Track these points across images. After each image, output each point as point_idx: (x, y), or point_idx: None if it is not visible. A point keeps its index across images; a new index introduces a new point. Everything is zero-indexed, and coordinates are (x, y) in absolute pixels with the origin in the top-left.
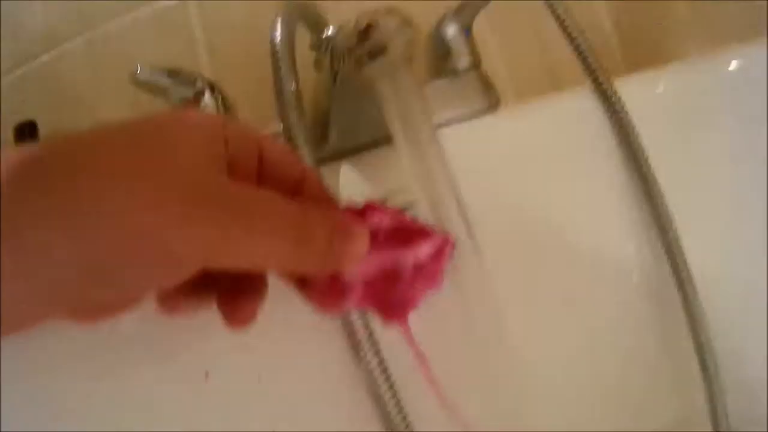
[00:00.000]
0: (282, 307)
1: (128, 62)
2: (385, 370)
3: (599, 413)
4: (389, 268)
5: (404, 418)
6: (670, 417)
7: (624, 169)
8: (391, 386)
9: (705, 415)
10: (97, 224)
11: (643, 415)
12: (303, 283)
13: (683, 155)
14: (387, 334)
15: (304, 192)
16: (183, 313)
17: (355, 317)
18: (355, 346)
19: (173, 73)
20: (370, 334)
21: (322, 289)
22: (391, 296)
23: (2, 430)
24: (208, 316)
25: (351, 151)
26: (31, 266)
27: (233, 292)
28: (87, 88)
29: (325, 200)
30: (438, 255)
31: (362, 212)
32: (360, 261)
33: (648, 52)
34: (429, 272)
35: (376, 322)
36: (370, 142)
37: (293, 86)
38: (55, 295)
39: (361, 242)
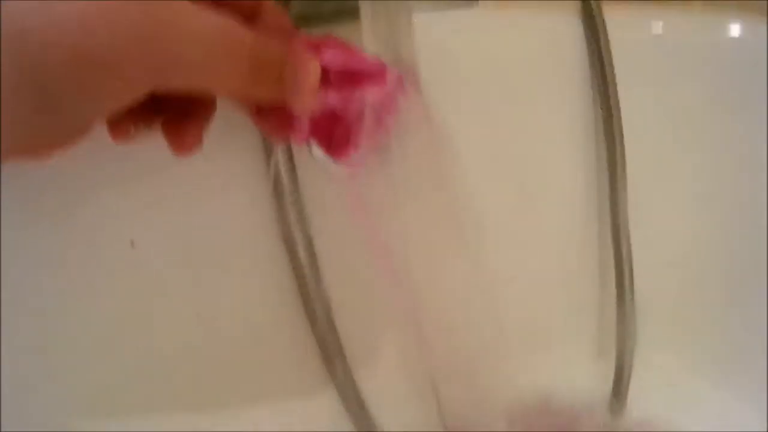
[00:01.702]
0: (212, 174)
1: None
2: (308, 237)
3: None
4: (338, 106)
5: (318, 279)
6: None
7: (591, 102)
8: (312, 253)
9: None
10: (44, 52)
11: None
12: (255, 110)
13: (654, 105)
14: (317, 207)
15: (260, 17)
16: (133, 138)
17: (286, 187)
18: (283, 218)
19: None
20: (301, 210)
21: (272, 119)
22: (337, 135)
23: None
24: (133, 186)
25: (312, 19)
26: None
27: (180, 116)
28: None
29: (282, 29)
30: (387, 101)
31: (318, 46)
32: (310, 95)
33: None
34: (376, 117)
35: (306, 195)
36: (334, 12)
37: None
38: (7, 135)
39: (311, 77)
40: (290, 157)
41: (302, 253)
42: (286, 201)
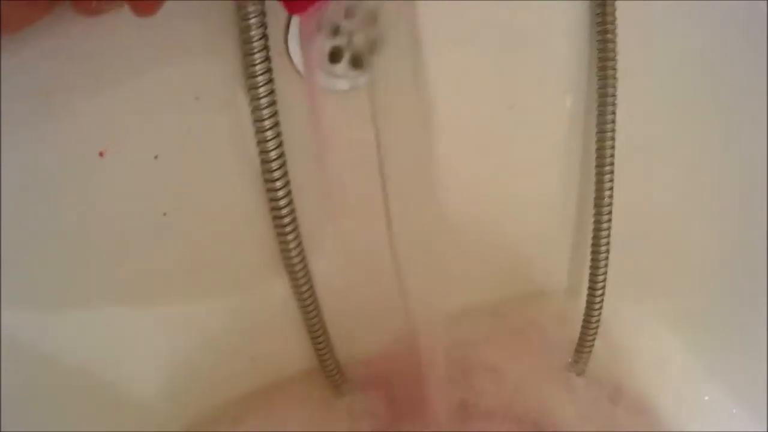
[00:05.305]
0: (185, 79)
1: None
2: (281, 157)
3: None
4: None
5: (290, 202)
6: None
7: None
8: (285, 174)
9: None
10: None
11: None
12: None
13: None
14: (291, 129)
15: None
16: (96, 11)
17: (263, 102)
18: (259, 134)
19: None
20: (276, 124)
21: None
22: None
23: None
24: (102, 92)
25: None
26: None
27: None
28: None
29: None
30: None
31: None
32: None
33: None
34: None
35: (282, 112)
36: None
37: None
38: None
39: None
40: (268, 70)
41: (272, 147)
42: (260, 104)
